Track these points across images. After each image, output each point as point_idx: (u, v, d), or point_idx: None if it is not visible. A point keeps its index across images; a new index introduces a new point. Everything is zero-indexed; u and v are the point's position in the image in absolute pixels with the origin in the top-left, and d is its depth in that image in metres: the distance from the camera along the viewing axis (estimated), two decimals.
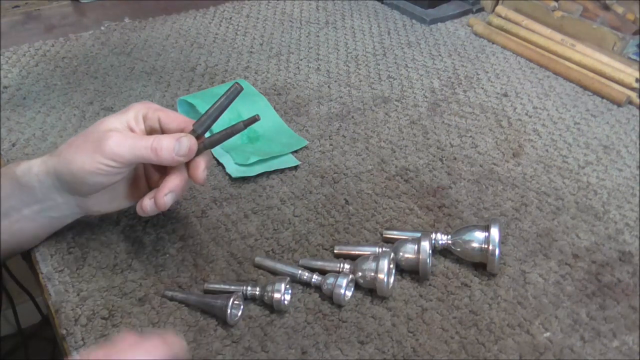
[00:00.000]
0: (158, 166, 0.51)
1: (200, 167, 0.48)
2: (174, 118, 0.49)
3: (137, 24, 0.92)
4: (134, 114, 0.48)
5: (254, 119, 0.47)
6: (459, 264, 0.52)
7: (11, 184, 0.48)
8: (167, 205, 0.47)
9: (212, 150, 0.65)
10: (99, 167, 0.45)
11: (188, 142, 0.47)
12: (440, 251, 0.53)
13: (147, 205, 0.47)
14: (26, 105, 0.72)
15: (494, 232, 0.49)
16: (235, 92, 0.48)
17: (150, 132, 0.49)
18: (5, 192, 0.48)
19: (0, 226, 0.48)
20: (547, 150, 0.67)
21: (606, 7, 0.83)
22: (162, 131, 0.49)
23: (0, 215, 0.48)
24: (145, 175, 0.53)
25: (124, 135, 0.46)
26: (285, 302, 0.47)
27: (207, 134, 0.50)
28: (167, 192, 0.47)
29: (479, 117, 0.73)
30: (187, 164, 0.49)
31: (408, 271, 0.51)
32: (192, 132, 0.48)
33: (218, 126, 0.67)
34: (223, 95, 0.48)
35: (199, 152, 0.48)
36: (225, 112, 0.68)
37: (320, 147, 0.67)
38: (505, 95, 0.77)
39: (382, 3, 1.01)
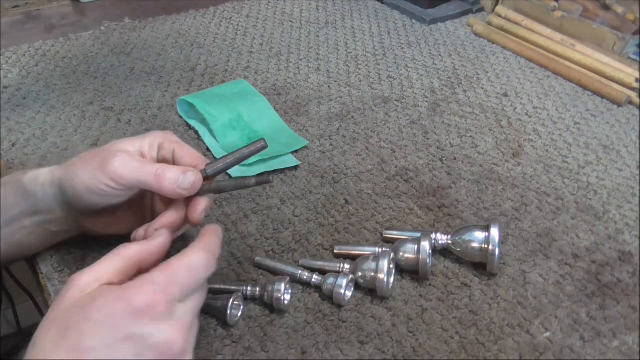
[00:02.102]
0: (165, 201, 0.50)
1: (199, 208, 0.46)
2: (189, 153, 0.47)
3: (137, 24, 0.92)
4: (150, 141, 0.47)
5: (267, 180, 0.45)
6: (459, 264, 0.52)
7: (17, 192, 0.47)
8: None
9: (212, 150, 0.65)
10: (99, 186, 0.44)
11: (193, 177, 0.45)
12: (440, 251, 0.53)
13: (140, 236, 0.46)
14: (26, 105, 0.72)
15: (494, 232, 0.49)
16: (258, 148, 0.46)
17: (162, 162, 0.48)
18: (10, 201, 0.47)
19: (0, 234, 0.48)
20: (547, 150, 0.67)
21: (606, 7, 0.83)
22: (174, 164, 0.48)
23: (1, 222, 0.47)
24: (152, 208, 0.51)
25: (131, 157, 0.45)
26: (285, 302, 0.47)
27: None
28: (160, 227, 0.45)
29: (479, 117, 0.73)
30: (187, 204, 0.47)
31: (408, 271, 0.51)
32: (202, 171, 0.46)
33: (217, 126, 0.67)
34: (246, 146, 0.47)
35: (202, 193, 0.46)
36: (225, 112, 0.68)
37: (320, 147, 0.67)
38: (505, 95, 0.77)
39: (382, 3, 1.01)
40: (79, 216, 0.48)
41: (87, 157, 0.46)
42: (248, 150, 0.46)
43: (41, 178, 0.47)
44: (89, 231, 0.51)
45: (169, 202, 0.49)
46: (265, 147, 0.47)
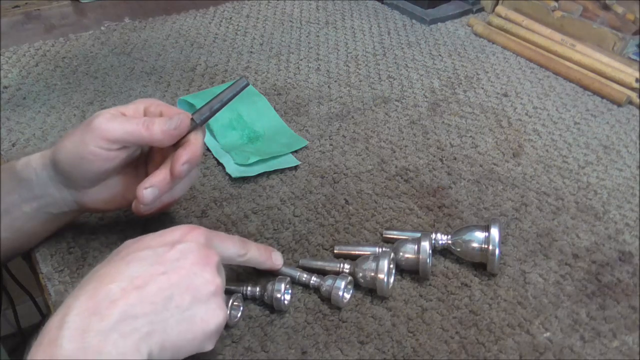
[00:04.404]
0: (161, 160, 0.50)
1: (181, 159, 0.45)
2: (176, 113, 0.48)
3: (137, 24, 0.92)
4: (135, 107, 0.48)
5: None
6: (459, 264, 0.52)
7: (12, 179, 0.48)
8: (145, 200, 0.46)
9: (212, 150, 0.65)
10: (88, 149, 0.44)
11: (179, 116, 0.46)
12: (440, 251, 0.53)
13: (137, 205, 0.47)
14: (26, 105, 0.72)
15: (494, 232, 0.49)
16: (240, 87, 0.46)
17: None
18: (7, 188, 0.48)
19: (1, 223, 0.48)
20: (547, 150, 0.67)
21: (606, 7, 0.83)
22: None
23: (1, 211, 0.48)
24: (147, 174, 0.51)
25: (114, 114, 0.45)
26: (285, 302, 0.47)
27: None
28: (148, 185, 0.45)
29: (479, 117, 0.73)
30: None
31: (408, 271, 0.51)
32: (191, 121, 0.47)
33: (217, 126, 0.67)
34: (227, 88, 0.47)
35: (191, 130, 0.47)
36: (225, 112, 0.68)
37: (320, 147, 0.67)
38: (505, 95, 0.77)
39: (382, 3, 1.01)
40: (77, 194, 0.49)
41: (72, 130, 0.47)
42: (230, 90, 0.46)
43: (33, 163, 0.48)
44: (90, 209, 0.51)
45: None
46: (247, 84, 0.47)
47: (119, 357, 0.34)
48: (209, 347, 0.39)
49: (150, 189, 0.46)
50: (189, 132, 0.47)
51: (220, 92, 0.47)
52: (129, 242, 0.40)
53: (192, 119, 0.47)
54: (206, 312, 0.38)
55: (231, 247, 0.43)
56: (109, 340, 0.34)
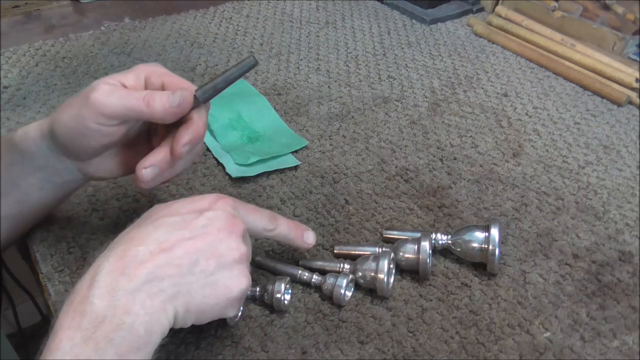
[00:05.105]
0: (164, 131, 0.48)
1: (182, 140, 0.44)
2: (179, 83, 0.46)
3: (137, 24, 0.92)
4: (135, 75, 0.46)
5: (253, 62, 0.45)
6: (459, 264, 0.52)
7: (12, 151, 0.47)
8: (145, 179, 0.45)
9: (212, 150, 0.65)
10: (86, 125, 0.43)
11: (182, 93, 0.44)
12: (440, 251, 0.53)
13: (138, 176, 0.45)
14: (26, 105, 0.72)
15: (494, 232, 0.49)
16: (248, 66, 0.45)
17: None
18: (9, 161, 0.47)
19: (12, 197, 0.47)
20: (547, 150, 0.67)
21: (606, 7, 0.83)
22: None
23: (7, 185, 0.47)
24: (150, 142, 0.50)
25: (113, 87, 0.44)
26: (285, 302, 0.47)
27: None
28: (148, 165, 0.44)
29: (479, 117, 0.73)
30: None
31: (408, 271, 0.51)
32: (194, 99, 0.45)
33: (217, 126, 0.67)
34: (234, 66, 0.45)
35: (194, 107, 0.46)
36: (225, 112, 0.68)
37: (320, 147, 0.67)
38: (505, 95, 0.77)
39: (382, 3, 1.01)
40: (80, 164, 0.48)
41: (70, 101, 0.45)
42: (237, 68, 0.45)
43: (31, 133, 0.47)
44: (95, 178, 0.50)
45: (167, 133, 0.47)
46: (255, 63, 0.45)
47: (147, 316, 0.35)
48: (231, 313, 0.40)
49: (150, 169, 0.45)
50: (192, 109, 0.45)
51: (226, 70, 0.45)
52: (158, 207, 0.41)
53: (195, 96, 0.45)
54: (230, 278, 0.38)
55: (258, 220, 0.43)
56: (137, 300, 0.35)
